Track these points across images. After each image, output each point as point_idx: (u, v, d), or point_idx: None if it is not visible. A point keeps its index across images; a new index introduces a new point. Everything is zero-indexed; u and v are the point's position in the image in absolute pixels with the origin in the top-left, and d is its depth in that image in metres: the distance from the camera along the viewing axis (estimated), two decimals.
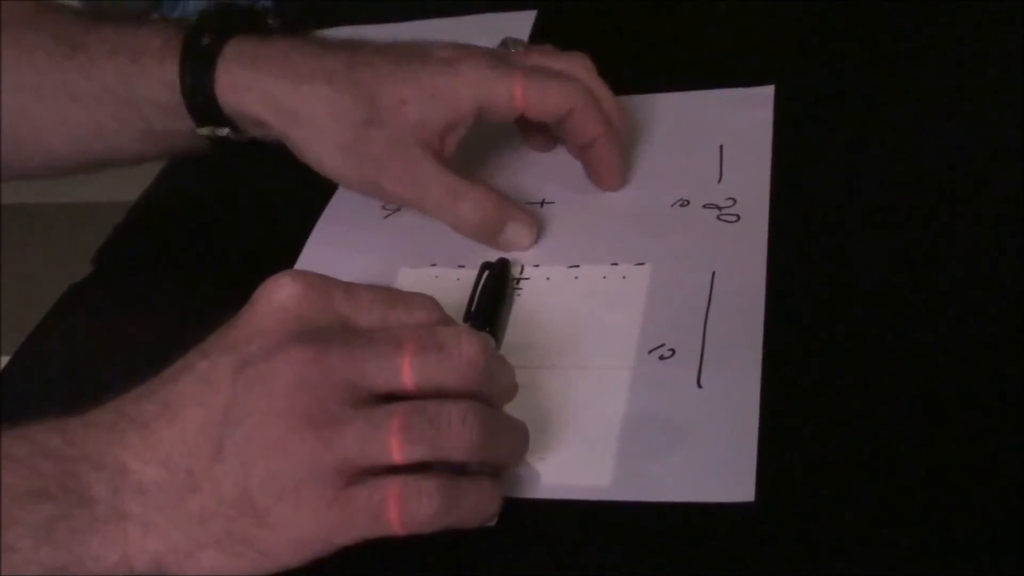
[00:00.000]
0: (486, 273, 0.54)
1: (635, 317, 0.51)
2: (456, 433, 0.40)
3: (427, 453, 0.40)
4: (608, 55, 0.71)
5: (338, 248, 0.59)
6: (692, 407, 0.46)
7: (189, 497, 0.40)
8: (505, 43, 0.63)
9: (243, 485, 0.39)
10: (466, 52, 0.56)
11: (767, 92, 0.63)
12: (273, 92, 0.55)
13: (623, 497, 0.43)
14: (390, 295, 0.44)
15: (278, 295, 0.42)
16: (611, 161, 0.58)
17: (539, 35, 0.75)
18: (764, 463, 0.43)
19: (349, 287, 0.43)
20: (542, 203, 0.59)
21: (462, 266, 0.56)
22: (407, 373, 0.40)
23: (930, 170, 0.56)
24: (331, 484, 0.39)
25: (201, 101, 0.56)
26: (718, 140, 0.61)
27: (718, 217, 0.56)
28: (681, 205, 0.57)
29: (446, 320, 0.45)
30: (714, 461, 0.44)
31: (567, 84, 0.55)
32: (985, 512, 0.40)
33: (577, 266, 0.55)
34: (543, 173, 0.61)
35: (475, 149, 0.63)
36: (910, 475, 0.42)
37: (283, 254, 0.59)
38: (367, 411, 0.40)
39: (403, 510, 0.40)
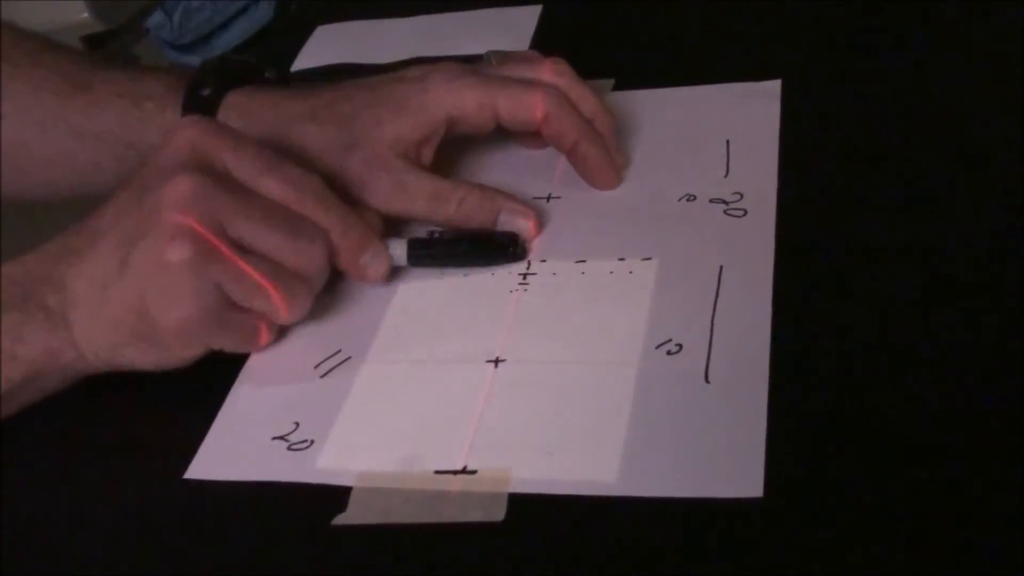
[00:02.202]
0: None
1: (642, 312, 0.51)
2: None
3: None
4: (614, 49, 0.72)
5: None
6: (700, 402, 0.46)
7: (104, 307, 0.49)
8: (487, 55, 0.64)
9: (141, 295, 0.48)
10: (435, 68, 0.58)
11: (774, 86, 0.63)
12: (266, 136, 0.58)
13: (630, 492, 0.43)
14: (271, 162, 0.51)
15: (179, 136, 0.50)
16: (596, 162, 0.58)
17: (544, 30, 0.75)
18: (772, 458, 0.43)
19: (241, 143, 0.51)
20: (548, 198, 0.59)
21: None
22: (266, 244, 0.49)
23: (939, 164, 0.56)
24: (209, 299, 0.48)
25: None
26: (725, 135, 0.61)
27: (725, 212, 0.56)
28: (688, 200, 0.57)
29: (319, 200, 0.51)
30: (722, 456, 0.44)
31: (537, 91, 0.57)
32: (991, 512, 0.40)
33: (584, 261, 0.55)
34: (548, 168, 0.61)
35: (480, 146, 0.63)
36: (918, 472, 0.42)
37: None
38: (240, 253, 0.48)
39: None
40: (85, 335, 0.50)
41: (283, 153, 0.53)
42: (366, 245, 0.53)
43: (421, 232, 0.57)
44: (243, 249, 0.49)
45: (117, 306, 0.49)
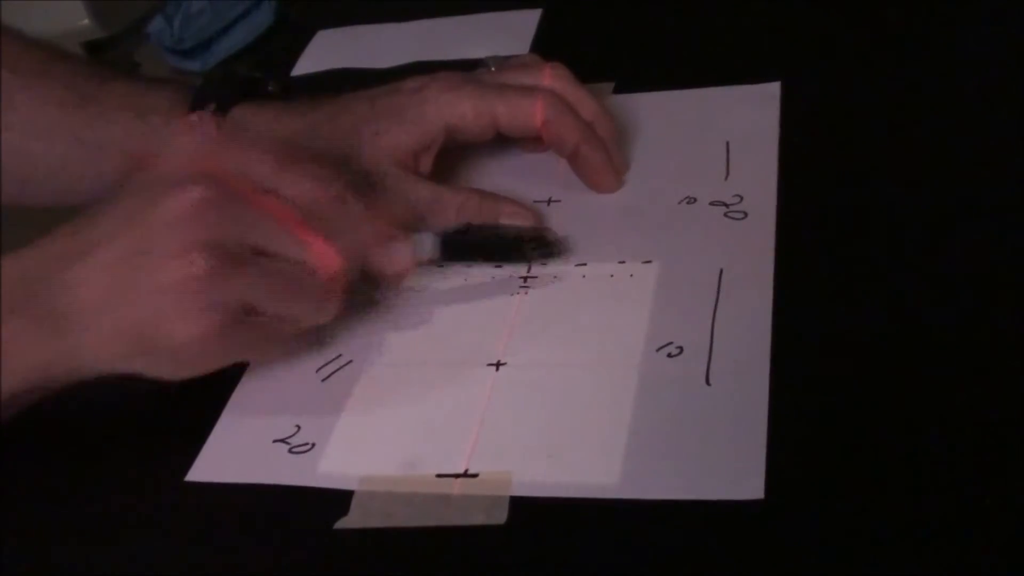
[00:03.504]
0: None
1: (643, 315, 0.51)
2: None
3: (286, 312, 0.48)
4: (613, 52, 0.72)
5: None
6: (701, 405, 0.46)
7: (113, 317, 0.46)
8: (486, 61, 0.64)
9: (153, 309, 0.46)
10: (432, 78, 0.59)
11: (773, 89, 0.63)
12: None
13: (632, 495, 0.43)
14: (286, 161, 0.49)
15: (186, 140, 0.49)
16: (597, 166, 0.59)
17: (544, 33, 0.75)
18: (773, 460, 0.43)
19: (253, 143, 0.49)
20: (548, 201, 0.59)
21: (470, 265, 0.56)
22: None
23: (937, 166, 0.56)
24: (223, 313, 0.46)
25: None
26: (725, 137, 0.61)
27: (725, 214, 0.56)
28: (688, 202, 0.57)
29: (338, 192, 0.49)
30: (723, 459, 0.44)
31: (536, 97, 0.57)
32: (992, 512, 0.40)
33: (584, 264, 0.55)
34: (549, 172, 0.61)
35: (480, 151, 0.63)
36: (919, 472, 0.42)
37: None
38: (258, 259, 0.47)
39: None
40: (91, 344, 0.47)
41: (297, 150, 0.50)
42: (388, 238, 0.51)
43: (454, 225, 0.56)
44: (261, 255, 0.47)
45: (126, 317, 0.46)
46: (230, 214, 0.46)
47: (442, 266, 0.55)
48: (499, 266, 0.55)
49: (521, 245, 0.54)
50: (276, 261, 0.47)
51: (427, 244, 0.52)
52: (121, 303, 0.46)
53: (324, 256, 0.48)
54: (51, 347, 0.47)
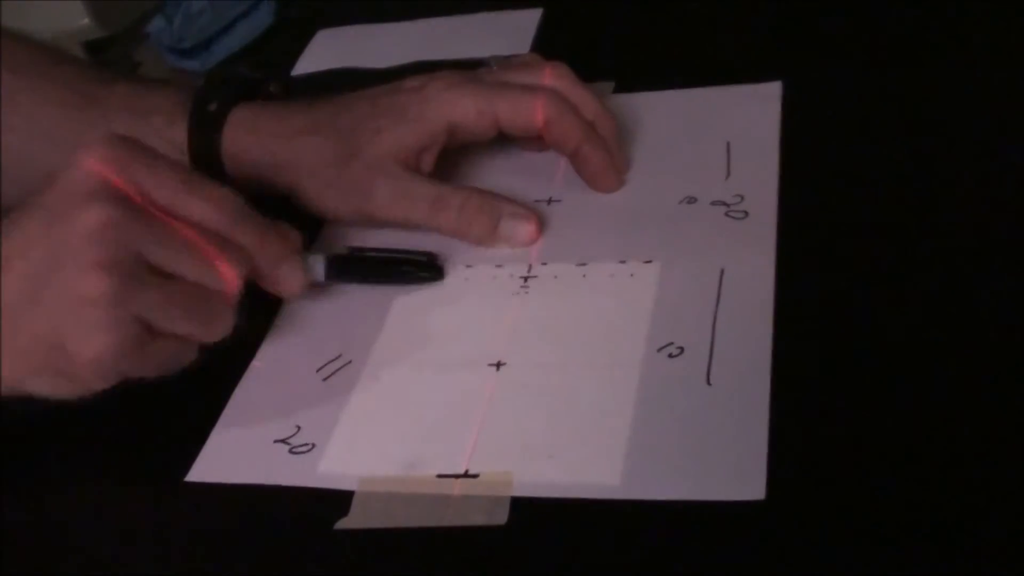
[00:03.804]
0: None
1: (643, 315, 0.51)
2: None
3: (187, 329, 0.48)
4: (614, 52, 0.72)
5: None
6: (702, 405, 0.46)
7: (17, 335, 0.46)
8: (487, 60, 0.64)
9: (55, 329, 0.46)
10: (433, 78, 0.59)
11: (774, 88, 0.63)
12: (270, 149, 0.59)
13: (633, 496, 0.43)
14: (187, 182, 0.48)
15: (88, 160, 0.47)
16: (599, 166, 0.59)
17: (545, 33, 0.75)
18: (774, 461, 0.43)
19: (154, 163, 0.48)
20: (549, 201, 0.59)
21: (470, 266, 0.56)
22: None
23: (938, 167, 0.56)
24: (128, 331, 0.45)
25: (207, 162, 0.60)
26: (725, 137, 0.61)
27: (726, 214, 0.56)
28: (689, 202, 0.57)
29: (238, 213, 0.49)
30: (724, 459, 0.43)
31: (537, 97, 0.57)
32: (992, 512, 0.40)
33: (585, 264, 0.55)
34: (549, 171, 0.61)
35: (480, 150, 0.63)
36: (919, 473, 0.42)
37: None
38: (159, 280, 0.46)
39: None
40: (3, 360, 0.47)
41: (196, 172, 0.51)
42: (282, 259, 0.51)
43: (341, 249, 0.57)
44: (161, 275, 0.47)
45: (26, 338, 0.46)
46: (135, 233, 0.46)
47: (328, 285, 0.56)
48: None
49: (407, 267, 0.56)
50: (177, 281, 0.47)
51: (316, 266, 0.54)
52: (24, 324, 0.46)
53: (223, 277, 0.48)
54: None
